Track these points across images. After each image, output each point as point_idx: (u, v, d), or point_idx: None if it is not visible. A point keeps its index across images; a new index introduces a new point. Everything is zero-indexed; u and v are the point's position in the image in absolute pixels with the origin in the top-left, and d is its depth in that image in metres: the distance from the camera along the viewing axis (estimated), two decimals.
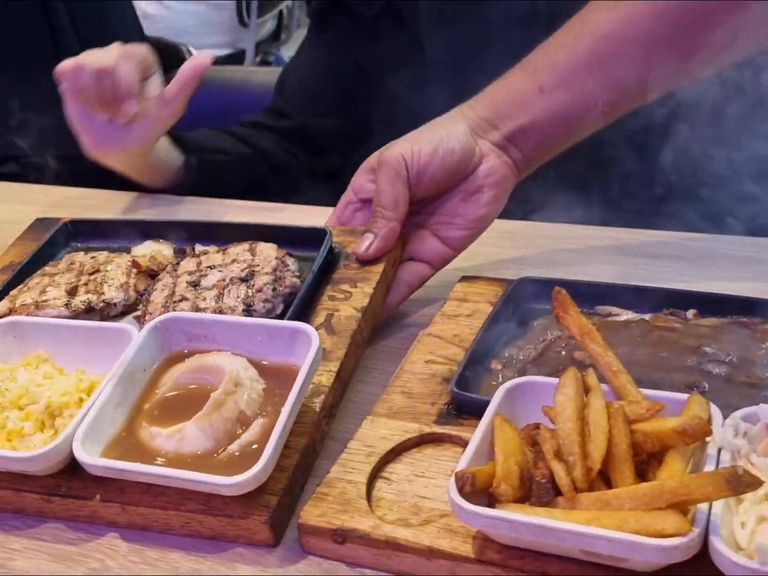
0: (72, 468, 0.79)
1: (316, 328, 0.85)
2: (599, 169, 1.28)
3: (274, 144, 1.53)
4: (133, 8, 1.87)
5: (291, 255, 1.01)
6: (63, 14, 1.63)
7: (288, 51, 4.32)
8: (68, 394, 0.83)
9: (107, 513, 0.78)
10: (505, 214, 1.28)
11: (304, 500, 0.76)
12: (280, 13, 4.53)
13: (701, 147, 1.28)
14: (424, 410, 0.84)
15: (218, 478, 0.71)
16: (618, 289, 0.95)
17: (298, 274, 0.98)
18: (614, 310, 0.93)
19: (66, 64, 1.21)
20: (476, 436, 0.71)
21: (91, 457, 0.75)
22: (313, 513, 0.73)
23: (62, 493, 0.79)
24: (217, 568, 0.73)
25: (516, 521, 0.63)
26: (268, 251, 1.01)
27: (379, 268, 0.99)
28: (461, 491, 0.66)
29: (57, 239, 1.14)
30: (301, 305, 0.93)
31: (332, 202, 1.11)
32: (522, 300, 0.98)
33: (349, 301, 0.95)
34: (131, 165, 1.36)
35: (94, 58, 1.21)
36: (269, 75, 1.88)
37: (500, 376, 0.87)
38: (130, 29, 1.77)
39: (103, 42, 1.28)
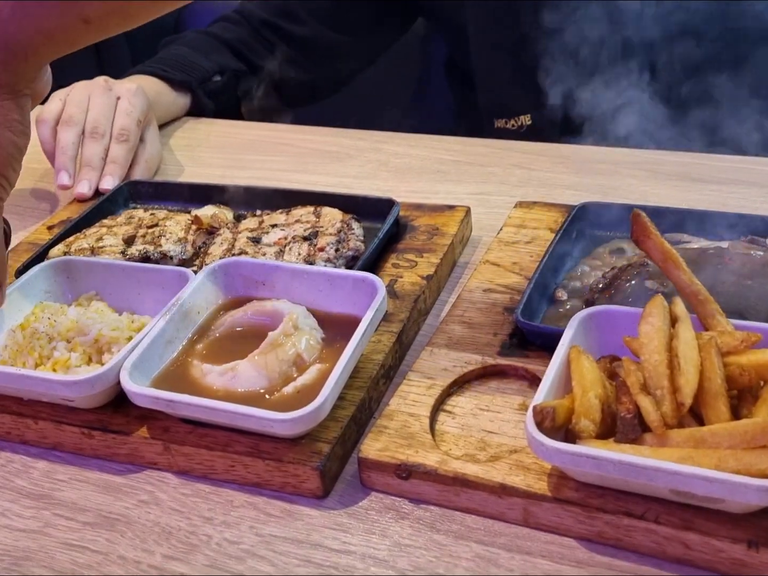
0: (116, 404, 0.76)
1: None
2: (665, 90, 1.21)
3: (278, 54, 1.45)
4: None
5: (357, 220, 0.97)
6: None
7: None
8: (118, 330, 0.80)
9: (149, 452, 0.74)
10: (557, 139, 1.22)
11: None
12: None
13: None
14: (486, 341, 0.80)
15: (271, 413, 0.67)
16: (689, 215, 0.89)
17: (362, 238, 0.94)
18: (685, 237, 0.88)
19: None
20: (551, 368, 0.67)
21: (137, 386, 0.71)
22: (374, 447, 0.69)
23: (103, 427, 0.75)
24: (274, 502, 0.70)
25: (603, 458, 0.59)
26: (333, 214, 0.97)
27: (446, 240, 0.95)
28: (540, 426, 0.61)
29: (116, 198, 1.09)
30: (364, 268, 0.87)
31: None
32: (585, 226, 0.93)
33: (414, 269, 0.91)
34: None
35: None
36: None
37: (567, 305, 0.83)
38: None
39: None
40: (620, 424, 0.62)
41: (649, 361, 0.62)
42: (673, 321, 0.65)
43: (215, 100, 1.41)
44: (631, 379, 0.63)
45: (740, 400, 0.62)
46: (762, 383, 0.61)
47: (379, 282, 0.78)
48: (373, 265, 0.92)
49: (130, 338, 0.78)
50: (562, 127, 1.27)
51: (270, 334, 0.74)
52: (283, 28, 1.47)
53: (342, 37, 1.49)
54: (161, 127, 1.32)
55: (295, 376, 0.73)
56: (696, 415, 0.61)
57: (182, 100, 1.38)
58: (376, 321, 0.76)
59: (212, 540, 0.67)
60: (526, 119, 1.38)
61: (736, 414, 0.61)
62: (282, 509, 0.69)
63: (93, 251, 0.94)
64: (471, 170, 1.17)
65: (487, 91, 1.42)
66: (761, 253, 0.79)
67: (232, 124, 1.39)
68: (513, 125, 1.39)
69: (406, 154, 1.24)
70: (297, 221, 0.96)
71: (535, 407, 0.62)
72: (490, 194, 1.11)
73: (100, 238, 0.96)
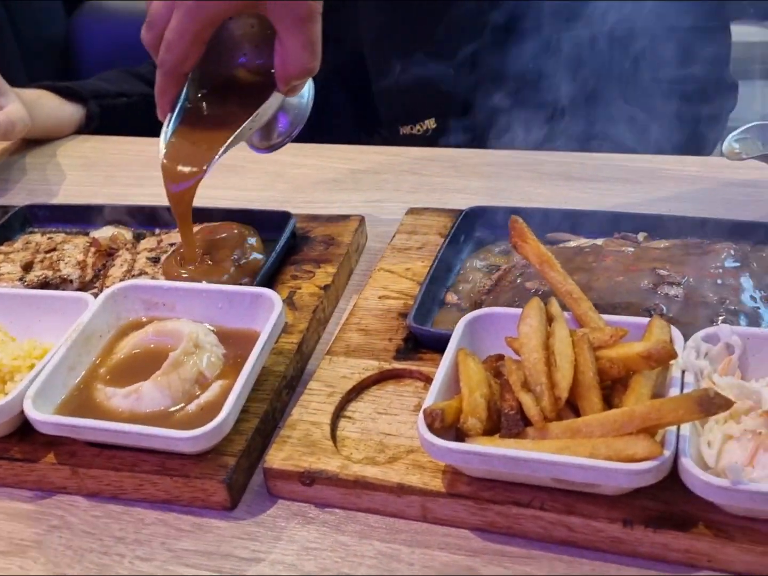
0: (22, 432, 0.77)
1: None
2: (537, 92, 1.27)
3: None
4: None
5: (253, 234, 0.98)
6: None
7: None
8: (20, 359, 0.80)
9: (57, 477, 0.75)
10: (449, 143, 1.27)
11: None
12: None
13: (634, 68, 1.28)
14: (382, 347, 0.83)
15: (174, 432, 0.70)
16: (568, 215, 0.95)
17: (260, 251, 0.96)
18: (565, 236, 0.93)
19: None
20: (440, 371, 0.71)
21: (41, 414, 0.72)
22: (278, 456, 0.72)
23: (9, 456, 0.76)
24: (184, 517, 0.72)
25: (488, 454, 0.63)
26: (230, 228, 0.98)
27: (342, 250, 0.98)
28: (431, 427, 0.65)
29: (12, 224, 1.08)
30: (263, 282, 0.90)
31: None
32: (472, 230, 0.98)
33: (312, 279, 0.94)
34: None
35: None
36: None
37: (456, 308, 0.87)
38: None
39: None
40: (504, 421, 0.66)
41: (528, 360, 0.67)
42: (550, 320, 0.70)
43: (123, 118, 1.41)
44: (513, 378, 0.67)
45: (613, 391, 0.67)
46: (632, 374, 0.66)
47: (276, 297, 0.80)
48: (272, 277, 0.95)
49: (32, 366, 0.79)
50: (466, 127, 1.32)
51: (171, 354, 0.76)
52: None
53: None
54: (55, 140, 1.35)
55: (198, 393, 0.75)
56: (573, 407, 0.66)
57: (70, 108, 1.40)
58: (275, 334, 0.79)
59: (125, 559, 0.69)
60: (431, 123, 1.42)
61: (610, 404, 0.66)
62: (192, 523, 0.71)
63: None
64: (365, 178, 1.21)
65: (388, 100, 1.45)
66: (632, 249, 0.85)
67: (131, 141, 1.39)
68: (419, 130, 1.43)
69: (301, 164, 1.26)
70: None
71: (425, 410, 0.66)
72: (383, 201, 1.14)
73: None
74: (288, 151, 1.30)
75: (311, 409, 0.77)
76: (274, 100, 0.87)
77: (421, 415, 0.66)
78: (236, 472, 0.72)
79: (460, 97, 1.33)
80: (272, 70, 0.85)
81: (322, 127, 1.57)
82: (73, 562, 0.69)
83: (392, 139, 1.45)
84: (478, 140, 1.27)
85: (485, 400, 0.67)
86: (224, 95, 0.89)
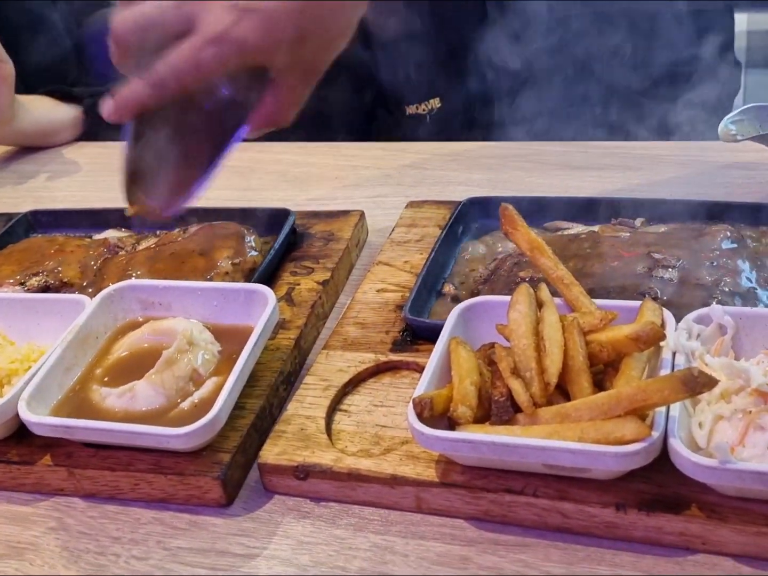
0: (18, 436, 0.77)
1: (277, 301, 0.82)
2: (540, 83, 1.26)
3: None
4: None
5: (251, 232, 0.99)
6: None
7: None
8: (17, 362, 0.80)
9: (54, 479, 0.75)
10: (449, 137, 1.27)
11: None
12: None
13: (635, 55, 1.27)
14: (379, 339, 0.83)
15: (167, 429, 0.70)
16: (565, 203, 0.94)
17: (258, 248, 0.96)
18: (563, 224, 0.92)
19: None
20: (432, 360, 0.70)
21: (35, 416, 0.72)
22: (272, 452, 0.72)
23: (6, 459, 0.76)
24: (180, 515, 0.72)
25: (477, 441, 0.62)
26: (228, 228, 0.98)
27: (341, 245, 0.98)
28: (420, 417, 0.65)
29: (16, 229, 1.09)
30: (261, 279, 0.90)
31: None
32: (470, 221, 0.97)
33: (311, 275, 0.94)
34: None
35: None
36: None
37: (453, 299, 0.86)
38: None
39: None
40: (494, 407, 0.65)
41: (518, 346, 0.66)
42: (540, 306, 0.69)
43: None
44: (503, 364, 0.66)
45: (605, 375, 0.66)
46: (622, 357, 0.65)
47: (270, 292, 0.80)
48: (272, 275, 0.94)
49: (30, 368, 0.80)
50: (469, 107, 1.32)
51: (164, 352, 0.76)
52: None
53: None
54: (58, 147, 1.41)
55: (192, 390, 0.75)
56: (564, 392, 0.65)
57: (65, 108, 1.42)
58: (269, 330, 0.79)
59: (120, 558, 0.69)
60: (435, 102, 1.42)
61: (601, 387, 0.65)
62: (188, 521, 0.71)
63: None
64: (368, 174, 1.21)
65: (394, 80, 1.45)
66: (628, 235, 0.84)
67: None
68: (424, 110, 1.43)
69: (305, 163, 1.27)
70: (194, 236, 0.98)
71: (414, 399, 0.65)
72: (386, 196, 1.14)
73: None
74: (292, 150, 1.31)
75: (306, 403, 0.77)
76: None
77: (410, 404, 0.66)
78: (231, 469, 0.72)
79: (463, 77, 1.33)
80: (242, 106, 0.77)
81: (328, 112, 1.57)
82: (69, 563, 0.69)
83: (399, 119, 1.45)
84: (480, 121, 1.27)
85: (476, 388, 0.67)
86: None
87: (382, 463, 0.69)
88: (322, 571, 0.65)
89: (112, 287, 0.85)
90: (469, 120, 1.31)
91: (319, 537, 0.68)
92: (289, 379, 0.83)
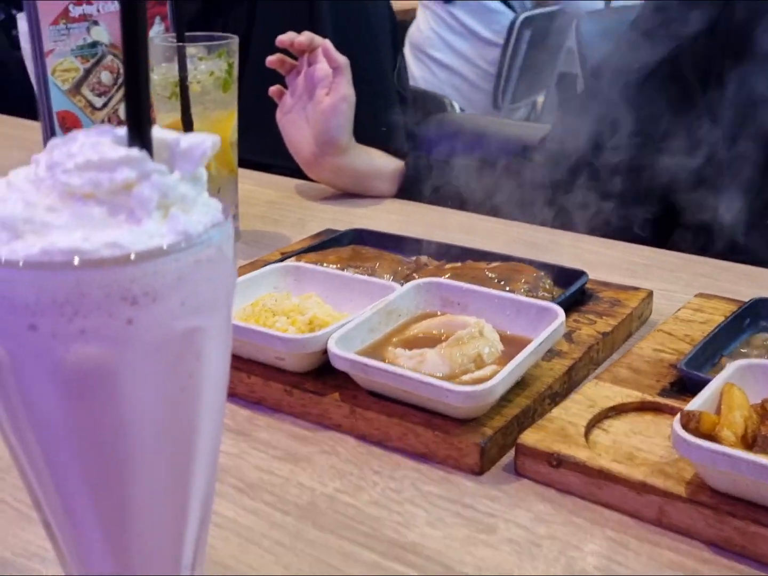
0: (317, 373, 0.89)
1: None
2: None
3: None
4: (394, 16, 2.01)
5: (547, 276, 1.08)
6: (327, 13, 1.78)
7: None
8: (332, 317, 0.93)
9: (336, 413, 0.85)
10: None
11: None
12: (534, 103, 4.69)
13: None
14: (648, 383, 0.87)
15: (448, 384, 0.78)
16: None
17: (550, 292, 1.05)
18: None
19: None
20: (705, 390, 0.74)
21: (341, 351, 0.84)
22: (532, 437, 0.78)
23: (303, 387, 0.88)
24: (435, 470, 0.79)
25: (737, 457, 0.65)
26: (529, 269, 1.09)
27: (626, 310, 1.04)
28: (685, 427, 0.69)
29: (342, 240, 1.24)
30: None
31: None
32: (759, 318, 0.99)
33: (593, 326, 1.01)
34: (341, 171, 1.50)
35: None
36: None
37: None
38: (385, 32, 1.91)
39: (360, 42, 1.43)
40: (759, 440, 0.68)
41: None
42: None
43: None
44: None
45: None
46: None
47: (560, 310, 0.88)
48: None
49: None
50: None
51: (457, 332, 0.86)
52: None
53: None
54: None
55: (473, 370, 0.84)
56: None
57: (391, 158, 1.56)
58: (551, 340, 0.86)
59: (377, 486, 0.77)
60: None
61: None
62: (442, 476, 0.79)
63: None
64: (659, 273, 1.26)
65: None
66: None
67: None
68: None
69: (601, 253, 1.34)
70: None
71: (682, 411, 0.69)
72: (674, 291, 1.19)
73: (326, 258, 1.12)
74: (591, 241, 1.39)
75: (570, 413, 0.82)
76: None
77: (678, 416, 0.70)
78: (491, 442, 0.79)
79: None
80: None
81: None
82: (335, 478, 0.79)
83: None
84: None
85: (743, 420, 0.69)
86: None
87: (634, 471, 0.73)
88: (555, 546, 0.69)
89: (421, 280, 0.97)
90: None
91: (558, 518, 0.73)
92: (555, 398, 0.89)
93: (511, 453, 0.80)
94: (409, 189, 1.57)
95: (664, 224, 1.56)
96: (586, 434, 0.79)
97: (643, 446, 0.78)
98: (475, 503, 0.75)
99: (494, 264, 1.10)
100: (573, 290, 1.04)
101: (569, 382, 0.92)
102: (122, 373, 0.43)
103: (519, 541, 0.70)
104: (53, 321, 0.42)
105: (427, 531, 0.71)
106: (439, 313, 0.95)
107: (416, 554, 0.69)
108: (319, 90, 1.43)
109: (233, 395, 0.93)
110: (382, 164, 1.55)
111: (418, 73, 3.91)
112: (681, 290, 1.19)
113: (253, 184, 1.64)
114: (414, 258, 1.17)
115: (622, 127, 1.50)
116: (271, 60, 1.47)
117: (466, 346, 0.85)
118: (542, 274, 1.07)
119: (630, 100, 1.47)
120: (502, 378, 0.78)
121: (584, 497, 0.75)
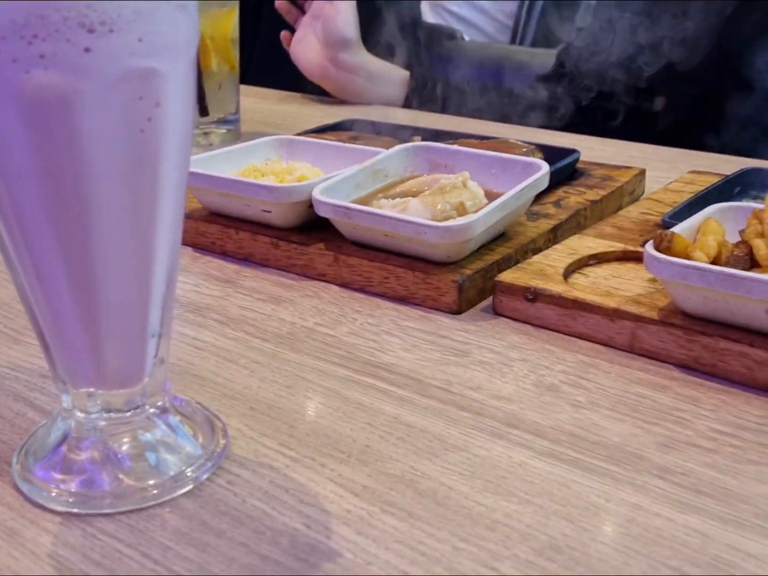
0: (302, 228, 0.90)
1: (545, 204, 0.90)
2: None
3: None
4: None
5: (539, 151, 1.08)
6: None
7: None
8: (321, 176, 0.94)
9: (320, 262, 0.87)
10: None
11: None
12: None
13: None
14: (632, 237, 0.88)
15: (429, 221, 0.79)
16: None
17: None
18: None
19: None
20: (684, 223, 0.74)
21: (323, 197, 0.85)
22: (510, 275, 0.79)
23: (289, 239, 0.89)
24: (414, 310, 0.80)
25: (707, 270, 0.65)
26: (520, 145, 1.09)
27: (617, 183, 1.04)
28: (657, 247, 0.69)
29: (339, 128, 1.28)
30: None
31: None
32: (749, 188, 0.99)
33: (582, 195, 1.01)
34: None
35: None
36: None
37: None
38: None
39: None
40: (731, 260, 0.68)
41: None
42: None
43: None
44: (749, 229, 0.69)
45: None
46: None
47: (545, 164, 0.88)
48: (545, 190, 1.02)
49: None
50: None
51: (441, 181, 0.86)
52: None
53: None
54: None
55: (455, 216, 0.84)
56: None
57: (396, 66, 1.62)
58: (536, 187, 0.86)
59: (356, 321, 0.78)
60: None
61: None
62: (421, 315, 0.80)
63: None
64: (657, 164, 1.26)
65: None
66: None
67: None
68: None
69: (598, 149, 1.34)
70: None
71: (655, 232, 0.70)
72: (669, 179, 1.18)
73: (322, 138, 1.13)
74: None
75: (551, 258, 0.83)
76: None
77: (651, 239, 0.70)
78: (469, 282, 0.80)
79: None
80: None
81: None
82: (315, 314, 0.80)
83: None
84: None
85: (717, 245, 0.70)
86: None
87: (608, 300, 0.74)
88: (525, 366, 0.70)
89: (410, 144, 0.97)
90: None
91: (531, 346, 0.73)
92: (537, 253, 0.90)
93: (491, 299, 0.81)
94: (414, 99, 1.60)
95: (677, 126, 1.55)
96: (566, 277, 0.80)
97: (620, 286, 0.79)
98: (451, 335, 0.76)
99: (487, 141, 1.10)
100: (565, 162, 1.04)
101: (554, 240, 0.92)
102: (80, 104, 0.44)
103: (491, 362, 0.71)
104: (14, 45, 0.43)
105: (402, 354, 0.73)
106: (425, 176, 0.95)
107: (389, 371, 0.70)
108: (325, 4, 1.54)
109: (222, 252, 0.94)
110: (392, 68, 1.61)
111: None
112: (676, 176, 1.19)
113: (257, 97, 1.67)
114: (410, 138, 1.17)
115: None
116: (280, 5, 1.64)
117: (449, 195, 0.85)
118: (534, 147, 1.07)
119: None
120: (482, 215, 0.78)
121: (559, 330, 0.75)
